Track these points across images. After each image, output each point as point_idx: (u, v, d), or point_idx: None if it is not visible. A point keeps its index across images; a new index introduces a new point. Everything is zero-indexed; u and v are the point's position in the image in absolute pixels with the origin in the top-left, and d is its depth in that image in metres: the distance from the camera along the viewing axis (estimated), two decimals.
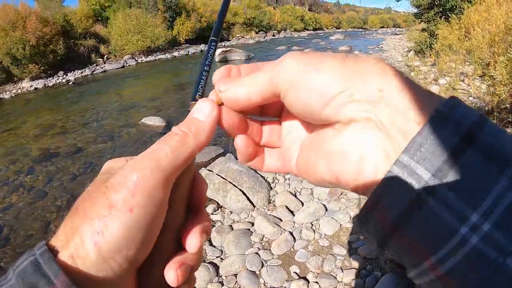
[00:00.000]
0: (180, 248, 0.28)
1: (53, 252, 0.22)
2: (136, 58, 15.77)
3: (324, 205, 2.71)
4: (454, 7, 8.48)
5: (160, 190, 0.24)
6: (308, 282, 2.05)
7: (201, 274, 2.12)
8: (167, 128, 5.61)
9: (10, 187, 3.97)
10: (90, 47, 15.22)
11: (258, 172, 3.19)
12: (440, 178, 0.18)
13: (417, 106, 0.20)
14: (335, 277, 2.05)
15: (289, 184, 3.13)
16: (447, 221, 0.18)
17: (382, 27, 55.66)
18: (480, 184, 0.18)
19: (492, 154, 0.18)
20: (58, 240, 0.23)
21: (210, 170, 3.26)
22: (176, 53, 17.41)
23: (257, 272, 2.16)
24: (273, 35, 30.77)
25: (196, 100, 0.30)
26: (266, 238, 2.47)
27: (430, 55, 8.49)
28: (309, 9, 52.15)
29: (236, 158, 0.35)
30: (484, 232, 0.17)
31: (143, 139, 5.21)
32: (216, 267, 2.23)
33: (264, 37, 28.64)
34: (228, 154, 3.80)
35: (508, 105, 3.73)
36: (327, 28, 46.76)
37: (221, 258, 2.32)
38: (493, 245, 0.17)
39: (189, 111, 0.30)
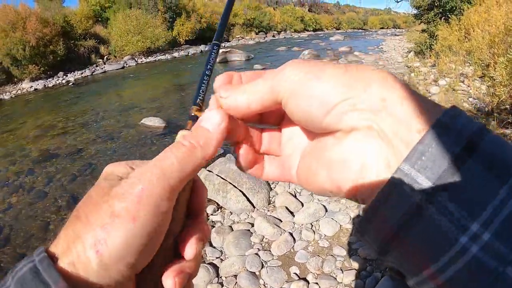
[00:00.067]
0: (178, 253, 0.28)
1: (53, 258, 0.22)
2: (136, 59, 15.77)
3: (324, 206, 2.71)
4: (454, 8, 8.48)
5: (165, 201, 0.24)
6: (308, 283, 2.04)
7: (201, 275, 2.11)
8: (167, 128, 5.61)
9: (10, 188, 3.97)
10: (90, 48, 15.23)
11: None
12: (440, 187, 0.18)
13: (419, 116, 0.20)
14: (335, 278, 2.05)
15: (289, 184, 3.13)
16: (447, 230, 0.18)
17: (382, 28, 55.68)
18: (480, 193, 0.18)
19: (492, 163, 0.18)
20: (59, 246, 0.23)
21: (210, 171, 3.26)
22: (176, 54, 17.42)
23: (257, 273, 2.15)
24: (273, 36, 30.78)
25: (197, 105, 0.30)
26: (266, 239, 2.47)
27: (430, 56, 8.50)
28: (309, 10, 52.19)
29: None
30: (484, 241, 0.17)
31: (143, 140, 5.21)
32: (216, 268, 2.23)
33: (264, 38, 28.66)
34: (228, 154, 3.80)
35: (508, 106, 3.73)
36: (327, 29, 46.78)
37: (221, 259, 2.32)
38: (493, 255, 0.17)
39: (190, 115, 0.30)
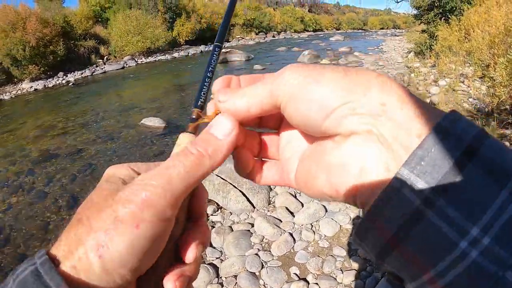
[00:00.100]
0: (178, 257, 0.28)
1: (54, 261, 0.22)
2: (136, 59, 15.78)
3: (324, 206, 2.71)
4: (454, 8, 8.49)
5: (169, 209, 0.23)
6: (308, 283, 2.04)
7: (201, 276, 2.11)
8: (167, 129, 5.62)
9: (10, 188, 3.97)
10: (90, 48, 15.23)
11: None
12: (440, 191, 0.18)
13: (419, 120, 0.20)
14: (335, 278, 2.05)
15: None
16: (447, 235, 0.18)
17: (382, 28, 55.70)
18: (480, 197, 0.18)
19: (492, 168, 0.18)
20: (60, 250, 0.23)
21: None
22: (176, 54, 17.43)
23: (257, 273, 2.15)
24: (273, 36, 30.79)
25: (199, 107, 0.29)
26: (266, 239, 2.47)
27: (430, 56, 8.51)
28: (309, 10, 52.20)
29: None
30: (484, 246, 0.17)
31: (143, 140, 5.21)
32: (216, 268, 2.23)
33: (264, 38, 28.67)
34: None
35: (508, 107, 3.73)
36: (327, 29, 46.80)
37: (221, 259, 2.32)
38: (493, 259, 0.17)
39: (191, 118, 0.29)
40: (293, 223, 2.60)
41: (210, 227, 2.63)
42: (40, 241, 2.96)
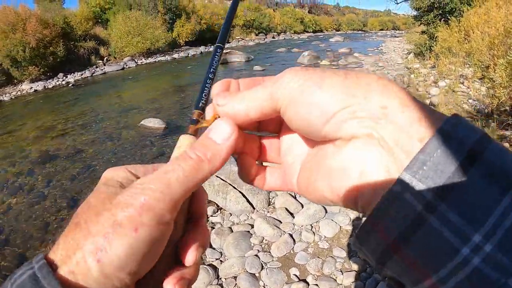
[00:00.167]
0: (178, 259, 0.28)
1: (52, 266, 0.22)
2: (136, 60, 15.78)
3: (324, 207, 2.71)
4: (454, 9, 8.51)
5: (168, 212, 0.23)
6: (308, 284, 2.04)
7: (201, 277, 2.11)
8: (167, 129, 5.62)
9: (9, 189, 3.97)
10: (90, 49, 15.23)
11: None
12: (442, 196, 0.18)
13: (420, 124, 0.20)
14: (335, 280, 2.04)
15: None
16: (449, 240, 0.18)
17: (382, 29, 55.75)
18: (482, 203, 0.18)
19: (494, 173, 0.18)
20: (58, 254, 0.23)
21: None
22: (176, 55, 17.43)
23: (257, 275, 2.15)
24: (273, 37, 30.81)
25: (200, 109, 0.29)
26: (265, 240, 2.47)
27: (430, 57, 8.53)
28: (308, 11, 52.24)
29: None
30: (486, 253, 0.17)
31: (143, 141, 5.21)
32: (215, 269, 2.22)
33: (264, 39, 28.70)
34: None
35: (507, 108, 3.74)
36: (327, 30, 46.86)
37: (221, 261, 2.32)
38: (495, 266, 0.17)
39: (192, 119, 0.29)
40: (293, 224, 2.60)
41: (209, 228, 2.63)
42: (39, 242, 2.96)
